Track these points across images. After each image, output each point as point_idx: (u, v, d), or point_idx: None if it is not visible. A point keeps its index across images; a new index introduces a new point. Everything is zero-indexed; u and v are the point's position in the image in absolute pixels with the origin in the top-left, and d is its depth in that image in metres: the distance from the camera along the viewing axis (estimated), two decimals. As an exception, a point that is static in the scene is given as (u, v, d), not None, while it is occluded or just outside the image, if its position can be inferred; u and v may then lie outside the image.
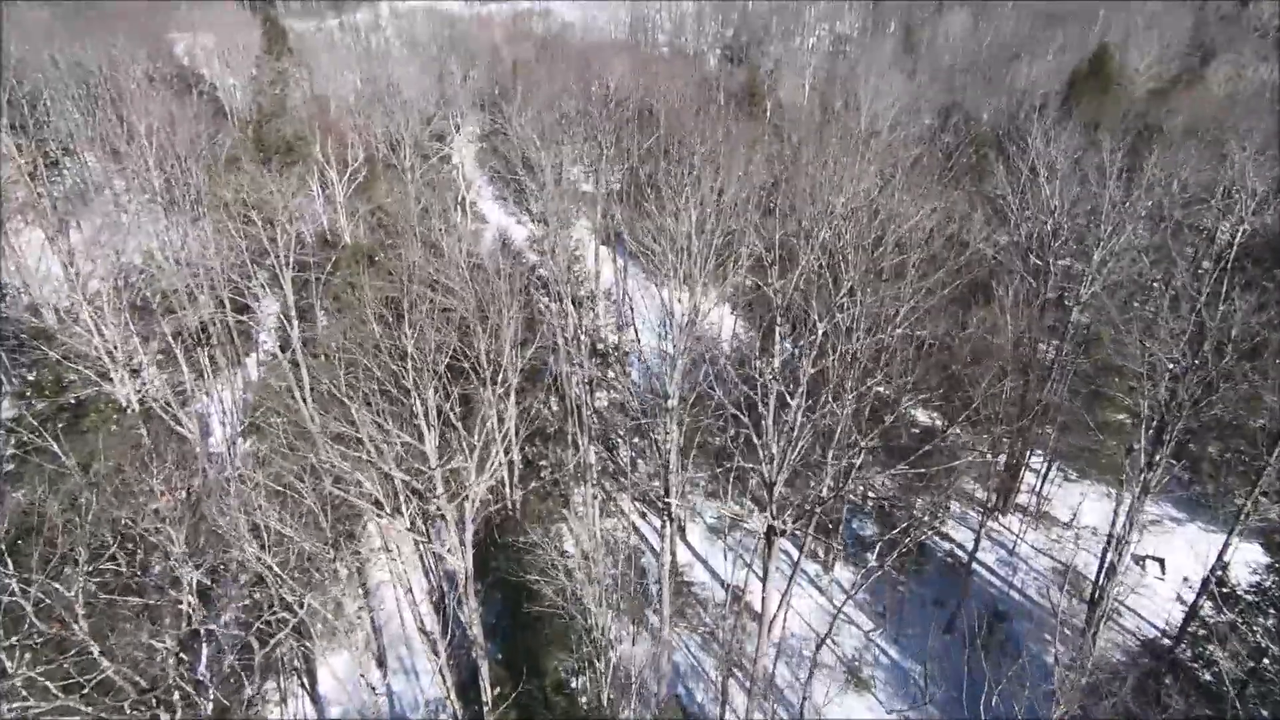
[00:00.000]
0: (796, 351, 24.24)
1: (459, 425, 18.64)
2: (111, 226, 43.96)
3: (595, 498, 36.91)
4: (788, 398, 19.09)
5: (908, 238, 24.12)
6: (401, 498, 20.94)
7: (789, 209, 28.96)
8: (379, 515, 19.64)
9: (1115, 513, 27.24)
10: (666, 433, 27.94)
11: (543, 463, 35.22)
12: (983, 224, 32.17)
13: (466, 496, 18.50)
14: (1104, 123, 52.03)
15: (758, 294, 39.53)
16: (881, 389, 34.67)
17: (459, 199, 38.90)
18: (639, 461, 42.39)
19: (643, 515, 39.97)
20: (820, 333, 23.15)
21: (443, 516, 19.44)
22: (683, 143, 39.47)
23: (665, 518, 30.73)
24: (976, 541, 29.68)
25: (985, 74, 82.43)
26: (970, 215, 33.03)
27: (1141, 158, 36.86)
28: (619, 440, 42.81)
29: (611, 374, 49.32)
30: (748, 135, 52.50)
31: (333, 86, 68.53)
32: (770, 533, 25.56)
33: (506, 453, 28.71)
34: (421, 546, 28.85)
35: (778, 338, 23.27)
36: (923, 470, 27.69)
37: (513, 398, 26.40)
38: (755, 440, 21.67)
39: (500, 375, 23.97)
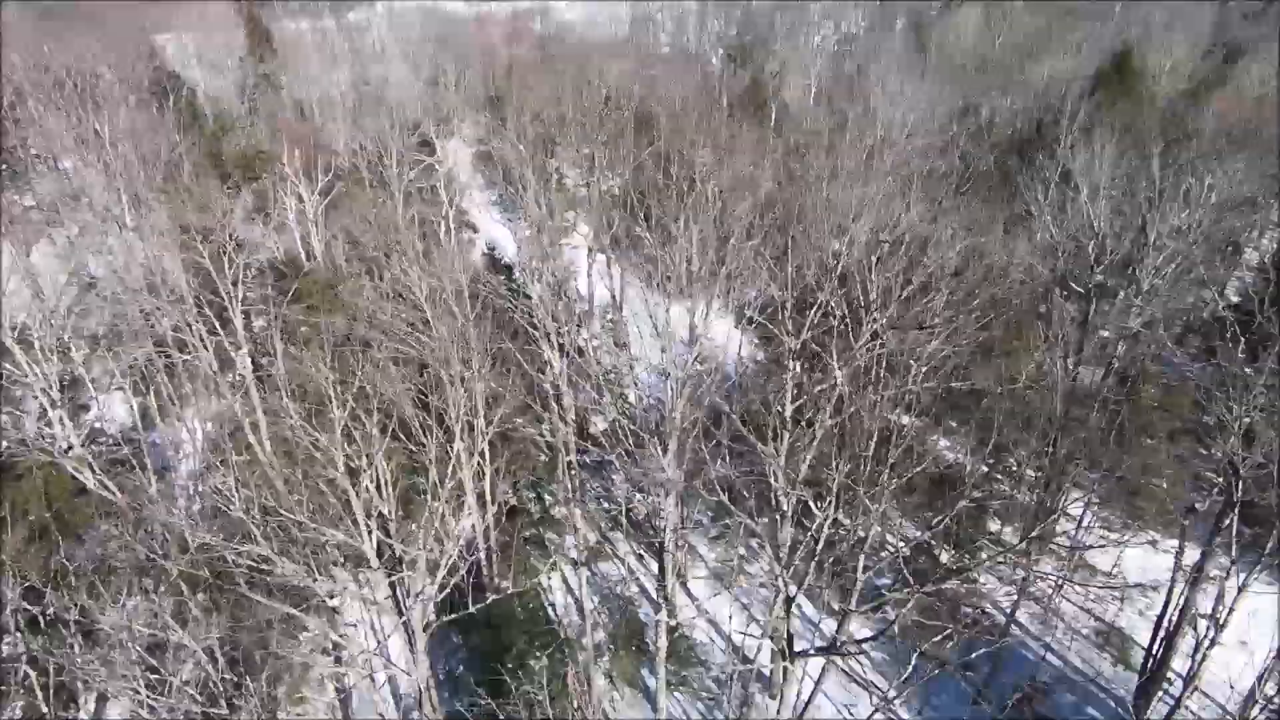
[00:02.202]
0: (813, 406, 21.10)
1: (392, 526, 15.56)
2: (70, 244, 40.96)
3: (584, 547, 33.83)
4: (812, 507, 16.10)
5: (938, 270, 21.06)
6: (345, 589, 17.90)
7: (801, 233, 25.93)
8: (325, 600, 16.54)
9: (1174, 578, 24.04)
10: (662, 472, 24.94)
11: (530, 506, 32.11)
12: (1025, 251, 28.92)
13: (417, 596, 15.40)
14: (1133, 127, 48.74)
15: (767, 314, 36.41)
16: (900, 417, 31.63)
17: (444, 214, 35.79)
18: (638, 495, 39.40)
19: (639, 557, 36.86)
20: (840, 383, 19.99)
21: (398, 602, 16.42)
22: (683, 154, 36.36)
23: (660, 569, 27.66)
24: (1016, 603, 26.46)
25: (1001, 74, 79.03)
26: (1003, 239, 29.82)
27: (1180, 168, 33.70)
28: (612, 468, 39.83)
29: (607, 398, 46.24)
30: (752, 143, 49.46)
31: (316, 91, 65.52)
32: (789, 603, 22.53)
33: (481, 504, 25.62)
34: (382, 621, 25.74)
35: (789, 394, 20.12)
36: (946, 514, 24.63)
37: (488, 456, 23.31)
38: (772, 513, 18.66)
39: (470, 433, 20.87)
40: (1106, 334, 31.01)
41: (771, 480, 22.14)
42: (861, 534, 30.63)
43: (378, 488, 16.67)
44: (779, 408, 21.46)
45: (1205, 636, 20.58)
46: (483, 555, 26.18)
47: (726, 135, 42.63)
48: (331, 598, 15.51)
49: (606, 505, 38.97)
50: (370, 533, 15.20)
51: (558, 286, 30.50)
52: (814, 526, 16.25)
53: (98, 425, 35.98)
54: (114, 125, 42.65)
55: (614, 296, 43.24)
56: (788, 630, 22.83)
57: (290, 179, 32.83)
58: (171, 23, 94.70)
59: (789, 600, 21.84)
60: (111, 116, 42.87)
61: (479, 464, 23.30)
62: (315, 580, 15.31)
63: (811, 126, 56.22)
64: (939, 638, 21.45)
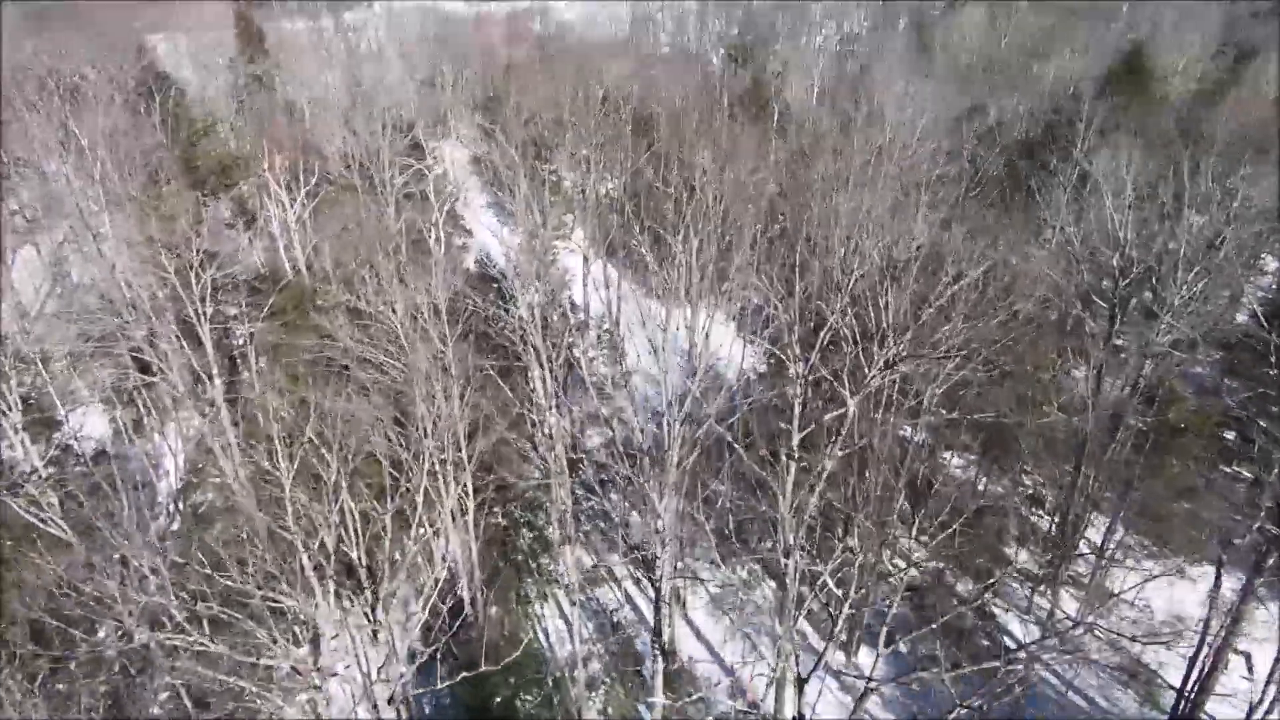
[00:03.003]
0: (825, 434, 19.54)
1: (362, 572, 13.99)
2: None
3: (578, 571, 32.27)
4: (831, 584, 14.50)
5: (956, 288, 19.46)
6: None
7: (807, 247, 24.37)
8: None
9: (1209, 614, 22.41)
10: (661, 495, 23.37)
11: (521, 531, 30.50)
12: (1044, 263, 27.25)
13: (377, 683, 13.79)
14: (1149, 129, 47.04)
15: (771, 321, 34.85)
16: (913, 433, 30.03)
17: (434, 221, 34.21)
18: (635, 513, 37.82)
19: (636, 581, 35.26)
20: (852, 414, 18.40)
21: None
22: (682, 159, 34.80)
23: (656, 596, 26.04)
24: (1042, 639, 24.80)
25: (1007, 74, 77.39)
26: (1020, 249, 28.20)
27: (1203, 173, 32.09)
28: (610, 488, 38.25)
29: (605, 411, 44.67)
30: (754, 146, 47.87)
31: (307, 92, 63.97)
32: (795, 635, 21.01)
33: (465, 532, 23.99)
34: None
35: (795, 423, 18.56)
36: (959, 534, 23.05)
37: (470, 487, 21.69)
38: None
39: (449, 463, 19.28)
40: (1119, 344, 29.27)
41: (776, 515, 20.62)
42: (871, 561, 29.02)
43: (343, 527, 15.17)
44: (786, 434, 19.90)
45: (1209, 662, 18.89)
46: (466, 589, 24.58)
47: (727, 138, 41.01)
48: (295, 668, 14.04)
49: (603, 526, 37.43)
50: (329, 592, 13.68)
51: (550, 296, 28.98)
52: (827, 569, 14.54)
53: (70, 444, 34.49)
54: (93, 128, 41.07)
55: (609, 308, 41.69)
56: (795, 663, 21.30)
57: (272, 185, 31.26)
58: (168, 23, 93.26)
59: (795, 632, 20.33)
60: (91, 119, 41.29)
61: (461, 495, 21.75)
62: (264, 657, 13.79)
63: (815, 128, 54.58)
64: (954, 673, 19.84)
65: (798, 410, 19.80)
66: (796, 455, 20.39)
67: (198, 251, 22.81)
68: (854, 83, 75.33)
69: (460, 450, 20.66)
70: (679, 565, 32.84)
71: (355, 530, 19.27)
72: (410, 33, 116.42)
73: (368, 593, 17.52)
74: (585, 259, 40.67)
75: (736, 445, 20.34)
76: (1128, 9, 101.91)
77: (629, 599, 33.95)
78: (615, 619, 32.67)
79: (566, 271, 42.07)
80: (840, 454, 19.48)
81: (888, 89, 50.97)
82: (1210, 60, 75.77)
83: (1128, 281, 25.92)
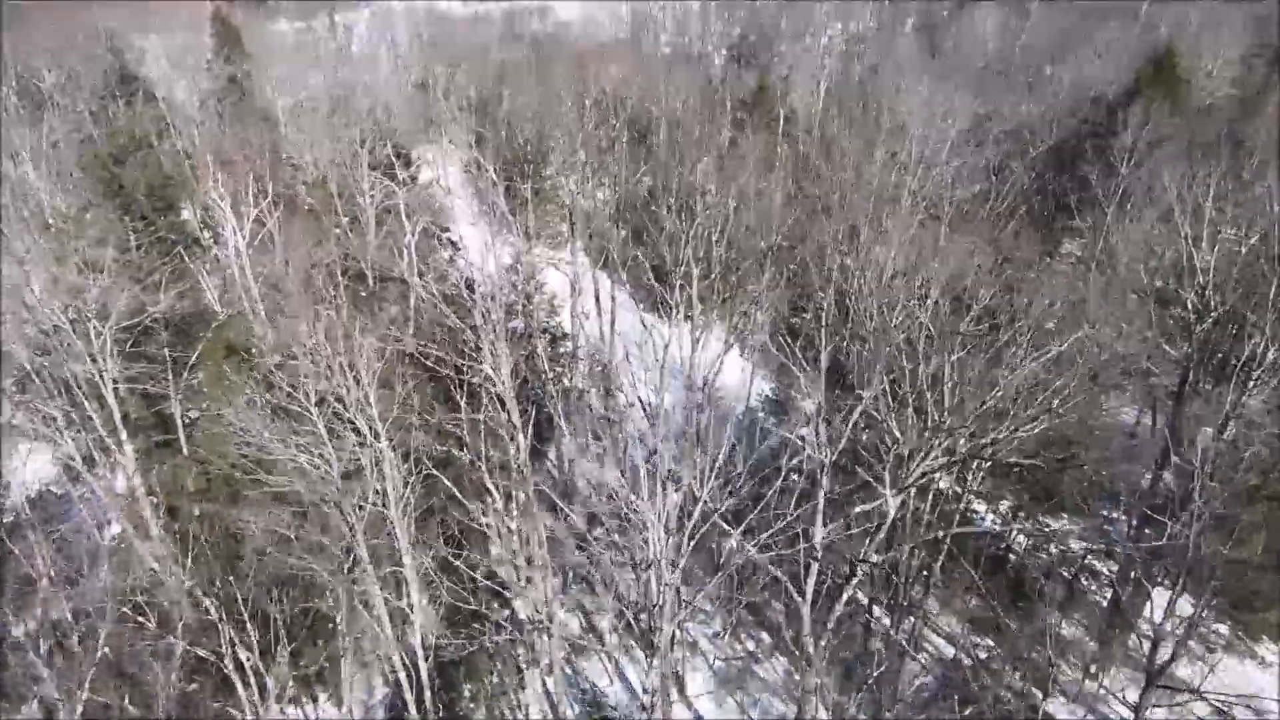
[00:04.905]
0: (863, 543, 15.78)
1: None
2: None
3: (563, 643, 28.46)
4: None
5: (1038, 360, 15.63)
6: None
7: (835, 301, 20.55)
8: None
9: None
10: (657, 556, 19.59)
11: (492, 604, 26.45)
12: (1102, 305, 23.33)
13: None
14: (1192, 139, 43.05)
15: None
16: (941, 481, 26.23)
17: (406, 242, 30.46)
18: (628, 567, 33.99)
19: (627, 650, 31.45)
20: (892, 515, 14.60)
21: None
22: (681, 177, 31.05)
23: (650, 673, 22.22)
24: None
25: (1026, 78, 73.49)
26: (1074, 286, 24.35)
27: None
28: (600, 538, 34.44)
29: (598, 447, 40.88)
30: (760, 152, 44.09)
31: (284, 97, 60.23)
32: None
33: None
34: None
35: (819, 517, 14.82)
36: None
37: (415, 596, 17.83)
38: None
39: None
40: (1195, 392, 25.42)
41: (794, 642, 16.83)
42: (903, 631, 25.19)
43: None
44: (807, 536, 16.10)
45: None
46: (409, 698, 20.62)
47: (730, 159, 37.26)
48: None
49: (590, 579, 33.56)
50: None
51: (528, 343, 25.22)
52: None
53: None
54: (38, 136, 37.31)
55: (604, 335, 37.94)
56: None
57: (218, 206, 27.48)
58: (151, 23, 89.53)
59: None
60: (34, 126, 37.57)
61: (407, 605, 17.94)
62: None
63: (826, 139, 50.76)
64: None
65: (821, 503, 16.01)
66: (819, 556, 16.61)
67: (91, 304, 18.92)
68: (863, 86, 71.57)
69: (406, 544, 16.95)
70: (678, 634, 29.12)
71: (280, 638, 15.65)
72: (402, 33, 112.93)
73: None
74: (574, 287, 36.87)
75: (750, 549, 16.49)
76: (1146, 9, 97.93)
77: (620, 673, 30.13)
78: (604, 697, 28.91)
79: (554, 296, 38.23)
80: (876, 559, 15.72)
81: (905, 97, 46.85)
82: (1240, 62, 71.82)
83: (1204, 326, 22.05)
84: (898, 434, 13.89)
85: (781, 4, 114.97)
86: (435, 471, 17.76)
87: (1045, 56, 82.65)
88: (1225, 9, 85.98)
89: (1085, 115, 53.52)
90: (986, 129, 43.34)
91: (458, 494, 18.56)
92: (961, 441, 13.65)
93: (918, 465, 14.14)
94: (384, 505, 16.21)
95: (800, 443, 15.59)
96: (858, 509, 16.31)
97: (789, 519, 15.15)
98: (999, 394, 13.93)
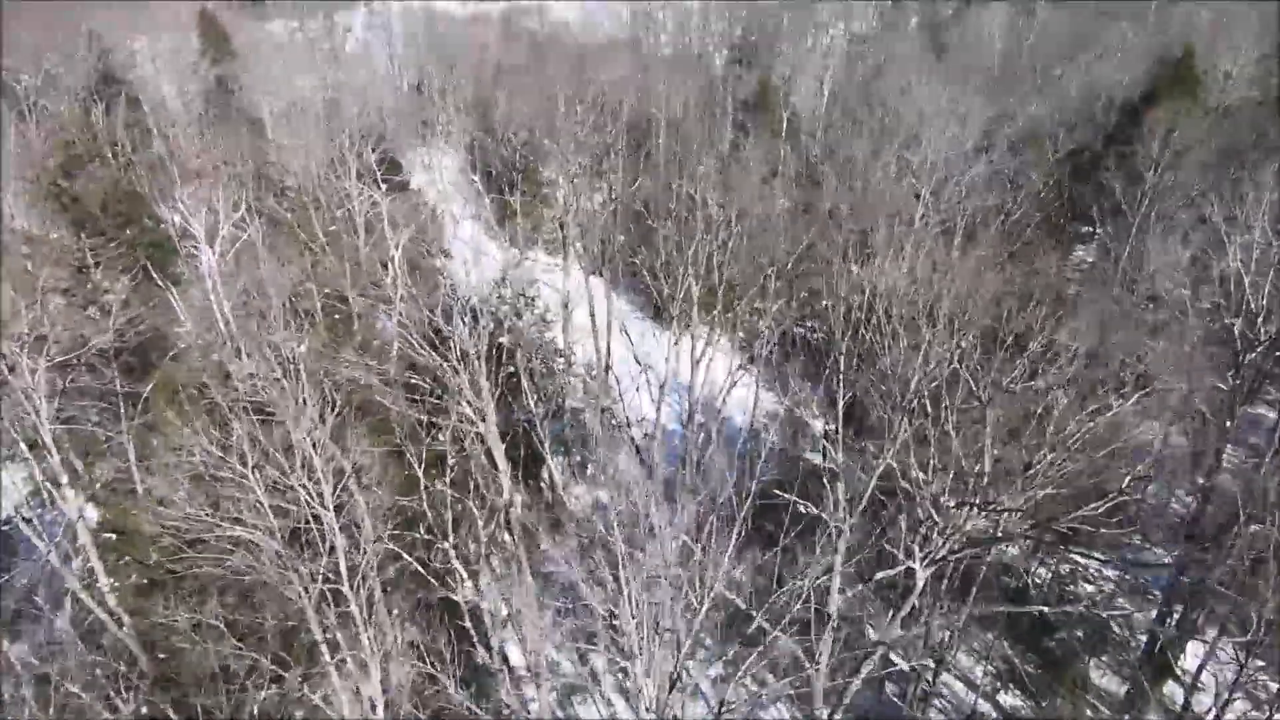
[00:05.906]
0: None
1: None
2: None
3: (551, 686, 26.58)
4: None
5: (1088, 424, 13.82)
6: None
7: (855, 350, 18.68)
8: None
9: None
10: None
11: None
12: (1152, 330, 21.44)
13: None
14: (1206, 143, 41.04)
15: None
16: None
17: (391, 256, 28.68)
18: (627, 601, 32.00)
19: (623, 691, 29.57)
20: (920, 585, 12.73)
21: None
22: (680, 188, 29.18)
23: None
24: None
25: (1034, 81, 71.42)
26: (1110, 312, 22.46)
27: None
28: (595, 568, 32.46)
29: (592, 469, 38.99)
30: (762, 160, 42.26)
31: (272, 100, 58.42)
32: None
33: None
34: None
35: (834, 581, 12.98)
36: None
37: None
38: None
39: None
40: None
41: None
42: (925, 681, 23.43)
43: None
44: (822, 602, 14.21)
45: None
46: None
47: (733, 165, 35.39)
48: None
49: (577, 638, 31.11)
50: None
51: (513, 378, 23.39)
52: None
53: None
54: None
55: (599, 352, 36.00)
56: None
57: (184, 221, 25.60)
58: (140, 23, 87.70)
59: None
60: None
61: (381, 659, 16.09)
62: None
63: (831, 141, 48.86)
64: None
65: (839, 565, 14.11)
66: (835, 623, 14.72)
67: (29, 330, 17.02)
68: (867, 87, 69.64)
69: (368, 618, 15.07)
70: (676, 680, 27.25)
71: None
72: (398, 34, 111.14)
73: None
74: (565, 305, 35.02)
75: (755, 614, 14.59)
76: (1156, 10, 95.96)
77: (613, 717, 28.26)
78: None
79: (547, 310, 36.32)
80: (899, 634, 13.84)
81: (912, 99, 44.82)
82: (1256, 64, 69.78)
83: (1256, 353, 20.16)
84: (932, 511, 12.04)
85: (783, 3, 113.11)
86: (395, 547, 15.80)
87: (1054, 58, 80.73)
88: (1238, 8, 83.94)
89: (1101, 120, 51.56)
90: (999, 134, 41.35)
91: (422, 570, 16.62)
92: (1006, 515, 11.81)
93: (952, 533, 12.27)
94: (336, 580, 14.35)
95: (815, 510, 13.72)
96: (879, 575, 14.42)
97: (802, 587, 13.35)
98: (1051, 459, 12.06)
